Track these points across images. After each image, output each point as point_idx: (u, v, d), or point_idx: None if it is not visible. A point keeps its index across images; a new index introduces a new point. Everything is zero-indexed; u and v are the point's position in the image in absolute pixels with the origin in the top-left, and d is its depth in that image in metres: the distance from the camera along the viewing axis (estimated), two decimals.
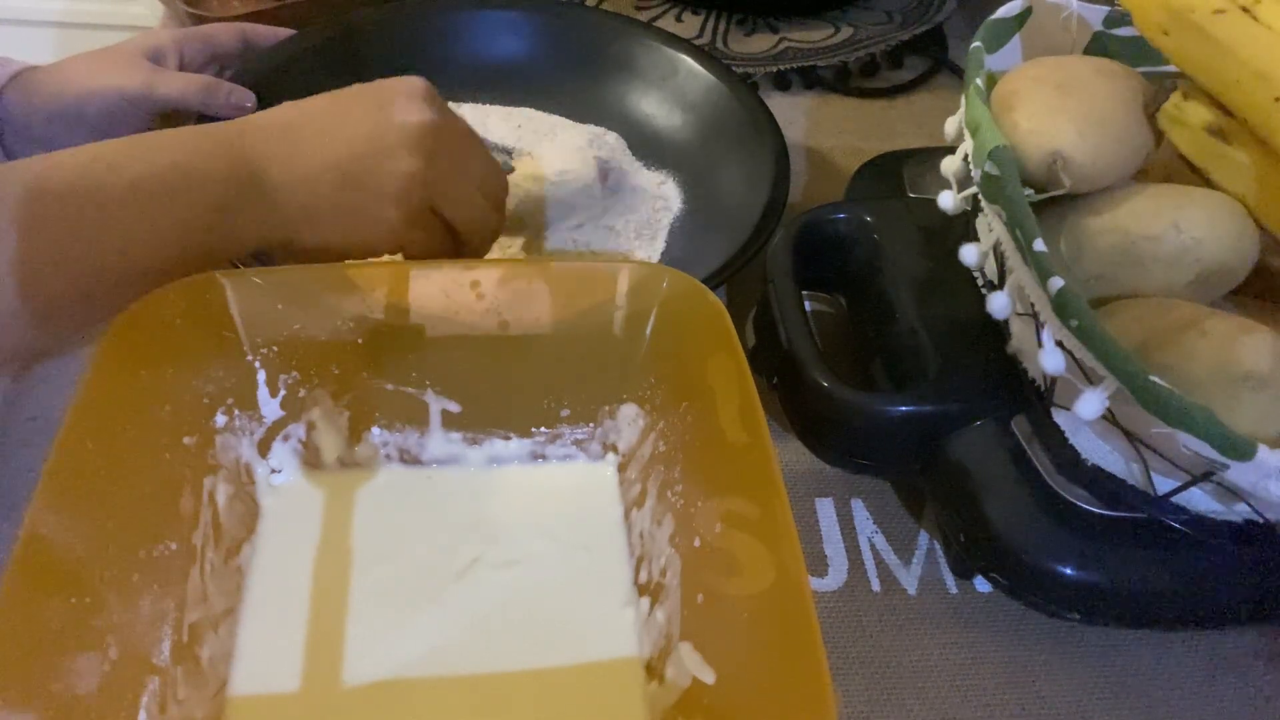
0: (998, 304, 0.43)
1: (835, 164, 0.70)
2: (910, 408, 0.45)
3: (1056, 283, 0.38)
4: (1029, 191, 0.42)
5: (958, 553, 0.46)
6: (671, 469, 0.44)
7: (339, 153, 0.44)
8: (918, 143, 0.62)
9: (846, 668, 0.45)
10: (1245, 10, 0.42)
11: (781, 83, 0.76)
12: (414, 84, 0.46)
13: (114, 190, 0.39)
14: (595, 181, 0.61)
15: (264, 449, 0.45)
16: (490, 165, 0.49)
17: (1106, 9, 0.52)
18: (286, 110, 0.45)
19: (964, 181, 0.47)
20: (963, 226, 0.50)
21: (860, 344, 0.53)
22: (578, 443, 0.48)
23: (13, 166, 0.39)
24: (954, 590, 0.48)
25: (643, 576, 0.43)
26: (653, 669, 0.41)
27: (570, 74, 0.69)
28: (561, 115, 0.68)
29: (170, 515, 0.40)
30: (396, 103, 0.44)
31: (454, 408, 0.46)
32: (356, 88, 0.46)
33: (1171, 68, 0.45)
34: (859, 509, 0.50)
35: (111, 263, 0.40)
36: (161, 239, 0.41)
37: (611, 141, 0.66)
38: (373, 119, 0.44)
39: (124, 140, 0.41)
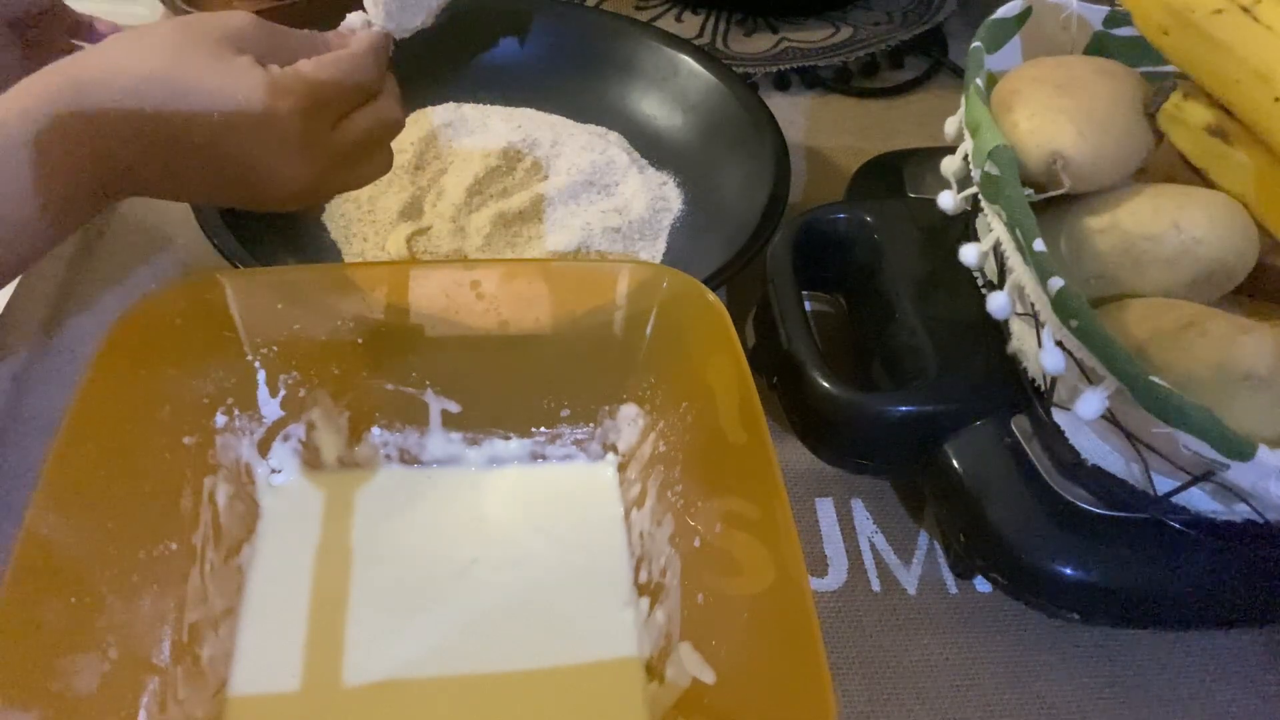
0: (998, 304, 0.43)
1: (835, 164, 0.70)
2: (910, 408, 0.45)
3: (1056, 283, 0.38)
4: (1029, 191, 0.42)
5: (958, 553, 0.46)
6: (671, 469, 0.44)
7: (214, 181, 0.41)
8: (918, 143, 0.62)
9: (846, 668, 0.45)
10: (1245, 10, 0.42)
11: (781, 83, 0.76)
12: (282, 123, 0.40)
13: None
14: None
15: (264, 449, 0.45)
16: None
17: (1106, 9, 0.52)
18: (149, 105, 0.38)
19: (964, 181, 0.47)
20: (963, 226, 0.50)
21: (860, 344, 0.53)
22: (578, 443, 0.48)
23: None
24: (954, 590, 0.48)
25: (643, 576, 0.43)
26: (653, 669, 0.41)
27: (570, 74, 0.69)
28: (561, 115, 0.68)
29: (170, 515, 0.40)
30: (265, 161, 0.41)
31: (454, 408, 0.46)
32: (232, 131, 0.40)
33: (1171, 68, 0.45)
34: (859, 509, 0.50)
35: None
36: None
37: (613, 141, 0.66)
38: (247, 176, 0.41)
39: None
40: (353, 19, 0.46)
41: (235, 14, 0.41)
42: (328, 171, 0.43)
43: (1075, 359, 0.38)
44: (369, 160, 0.45)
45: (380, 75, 0.45)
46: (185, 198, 0.45)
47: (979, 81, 0.45)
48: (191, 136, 0.39)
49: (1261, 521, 0.40)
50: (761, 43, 0.77)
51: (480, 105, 0.67)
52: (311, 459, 0.46)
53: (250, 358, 0.44)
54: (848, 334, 0.55)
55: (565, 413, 0.47)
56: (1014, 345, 0.45)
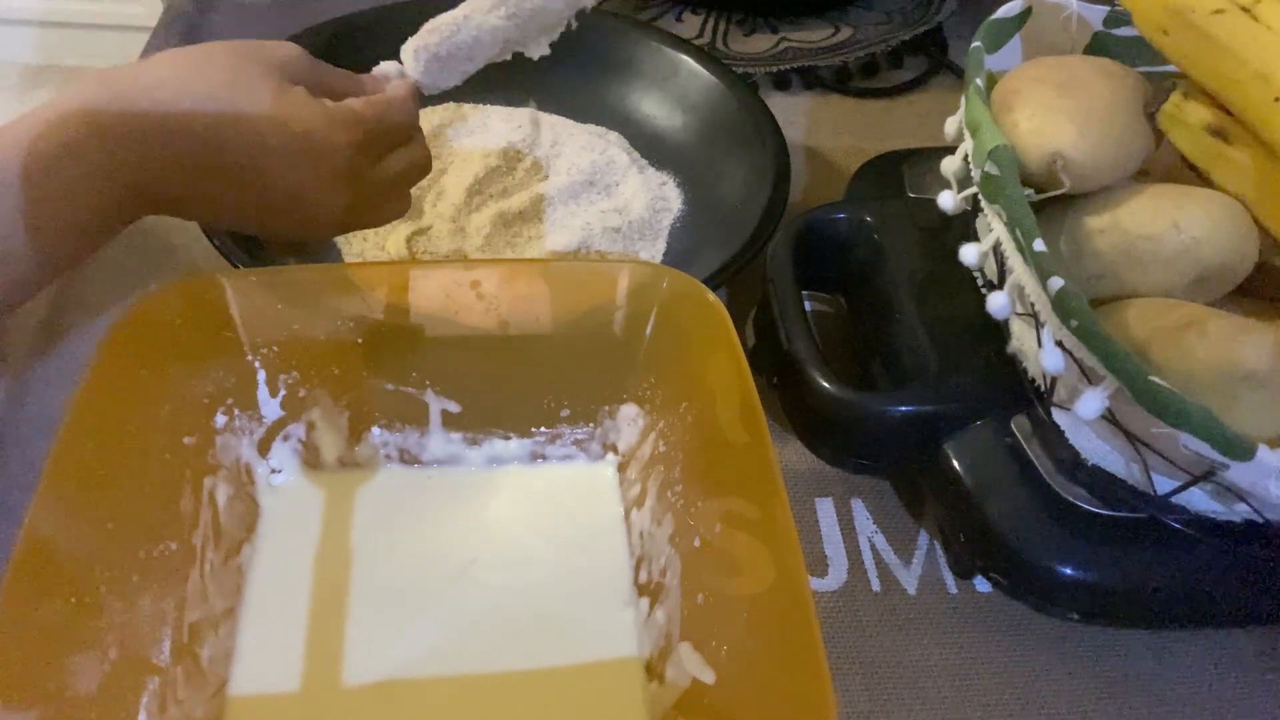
0: (998, 304, 0.43)
1: (835, 164, 0.70)
2: (910, 408, 0.45)
3: (1056, 283, 0.38)
4: (1029, 191, 0.42)
5: (958, 553, 0.46)
6: (671, 469, 0.44)
7: (259, 203, 0.42)
8: (918, 143, 0.62)
9: (846, 668, 0.45)
10: (1245, 10, 0.42)
11: (781, 83, 0.76)
12: (333, 143, 0.42)
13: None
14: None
15: (264, 449, 0.45)
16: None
17: (1106, 9, 0.52)
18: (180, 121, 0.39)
19: (964, 181, 0.47)
20: (963, 226, 0.50)
21: (860, 344, 0.53)
22: (578, 443, 0.48)
23: None
24: (954, 590, 0.48)
25: (643, 576, 0.43)
26: (653, 669, 0.41)
27: (570, 74, 0.68)
28: (562, 115, 0.68)
29: (170, 515, 0.40)
30: (319, 176, 0.42)
31: (454, 408, 0.46)
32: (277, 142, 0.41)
33: (1171, 68, 0.45)
34: (859, 509, 0.50)
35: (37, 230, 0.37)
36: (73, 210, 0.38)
37: (613, 141, 0.66)
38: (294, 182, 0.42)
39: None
40: (386, 67, 0.48)
41: (284, 45, 0.43)
42: (363, 205, 0.44)
43: (1075, 359, 0.38)
44: (397, 199, 0.47)
45: (415, 121, 0.47)
46: (217, 220, 0.46)
47: (979, 81, 0.45)
48: (239, 160, 0.40)
49: (1261, 521, 0.40)
50: (761, 43, 0.77)
51: (480, 105, 0.67)
52: (311, 459, 0.46)
53: (250, 358, 0.44)
54: (848, 334, 0.55)
55: (565, 413, 0.47)
56: (1014, 345, 0.45)
